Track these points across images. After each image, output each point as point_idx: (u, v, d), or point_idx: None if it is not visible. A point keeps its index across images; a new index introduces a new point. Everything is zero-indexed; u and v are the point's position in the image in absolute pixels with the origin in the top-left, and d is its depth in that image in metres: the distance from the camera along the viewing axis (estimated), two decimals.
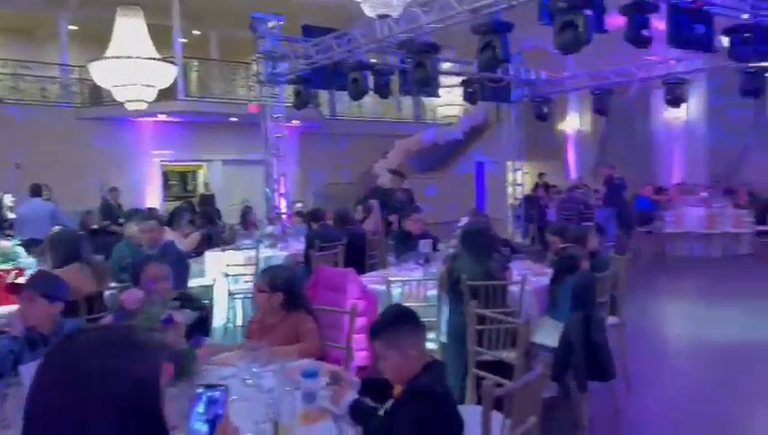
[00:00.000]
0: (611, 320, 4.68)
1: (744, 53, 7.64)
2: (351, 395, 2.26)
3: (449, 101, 15.93)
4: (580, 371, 3.98)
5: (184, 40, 14.50)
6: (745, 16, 7.59)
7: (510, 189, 12.41)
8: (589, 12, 5.75)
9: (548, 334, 4.26)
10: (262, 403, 2.27)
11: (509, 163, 12.31)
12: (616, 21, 6.88)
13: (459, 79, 11.07)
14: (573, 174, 18.41)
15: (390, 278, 4.39)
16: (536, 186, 14.82)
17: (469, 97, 10.76)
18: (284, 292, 3.06)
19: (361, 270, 5.80)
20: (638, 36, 6.61)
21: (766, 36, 7.73)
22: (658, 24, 7.14)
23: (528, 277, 4.70)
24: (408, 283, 4.38)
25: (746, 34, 7.61)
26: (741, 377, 5.01)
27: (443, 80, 12.55)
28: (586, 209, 13.14)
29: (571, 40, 5.69)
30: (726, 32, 7.69)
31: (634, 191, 12.78)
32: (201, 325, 2.98)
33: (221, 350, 2.91)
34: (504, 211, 12.56)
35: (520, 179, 12.54)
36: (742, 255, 11.15)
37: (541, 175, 15.67)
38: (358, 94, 8.59)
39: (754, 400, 4.59)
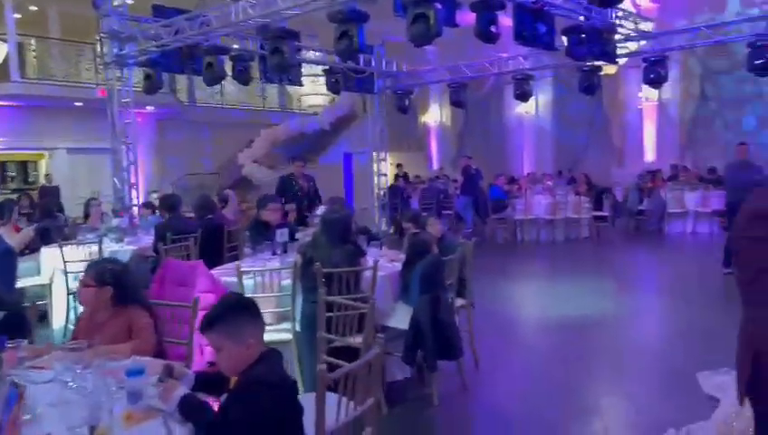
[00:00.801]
0: (460, 301, 4.91)
1: (580, 52, 8.34)
2: (182, 391, 2.14)
3: (315, 91, 15.87)
4: (429, 351, 4.12)
5: (18, 15, 13.09)
6: (581, 18, 8.27)
7: (375, 180, 12.62)
8: (439, 5, 5.94)
9: (401, 318, 4.37)
10: (83, 407, 2.09)
11: (375, 154, 12.50)
12: (469, 17, 7.19)
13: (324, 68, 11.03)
14: (435, 165, 19.14)
15: (242, 269, 4.25)
16: (396, 177, 15.24)
17: (332, 86, 10.76)
18: (114, 286, 2.84)
19: (220, 262, 5.59)
20: (486, 32, 6.96)
21: (599, 37, 8.49)
22: (510, 21, 7.56)
23: (383, 263, 4.79)
24: (262, 273, 4.27)
25: (582, 35, 8.31)
26: (577, 347, 5.48)
27: (308, 69, 12.49)
28: (445, 198, 13.75)
29: (422, 32, 5.85)
30: (564, 32, 8.33)
31: (490, 181, 13.55)
32: (11, 327, 2.68)
33: (39, 352, 2.63)
34: (371, 201, 12.76)
35: (384, 170, 12.79)
36: (581, 238, 12.22)
37: (398, 166, 16.12)
38: (213, 80, 8.24)
39: (590, 366, 5.03)
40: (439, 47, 16.57)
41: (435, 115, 19.76)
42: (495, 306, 6.90)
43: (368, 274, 4.23)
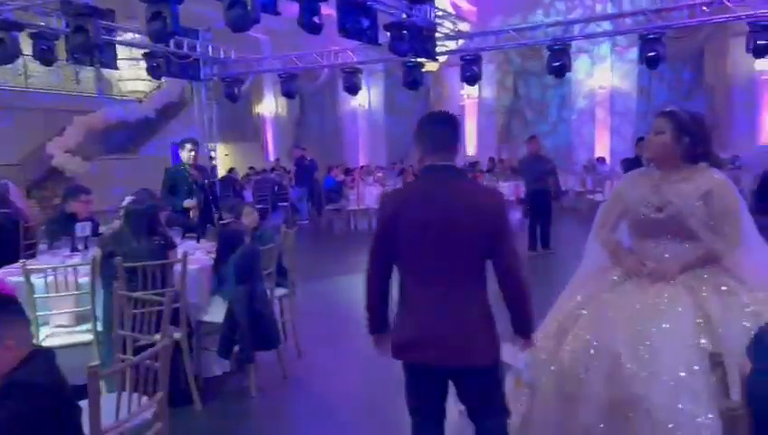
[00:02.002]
0: (281, 291, 4.88)
1: (402, 47, 8.68)
2: None
3: (137, 76, 14.80)
4: (245, 342, 4.05)
5: None
6: (404, 16, 8.61)
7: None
8: None
9: (217, 312, 4.24)
10: None
11: (204, 144, 11.96)
12: (296, 8, 7.14)
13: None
14: (272, 156, 18.89)
15: (30, 266, 3.83)
16: (231, 169, 14.83)
17: (153, 71, 10.10)
18: None
19: (15, 261, 4.98)
20: (309, 22, 6.97)
21: (419, 34, 8.91)
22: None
23: (199, 256, 4.61)
24: (54, 270, 3.88)
25: (403, 31, 8.65)
26: None
27: (129, 52, 11.60)
28: (280, 190, 13.63)
29: (239, 17, 5.71)
30: (387, 27, 8.62)
31: (325, 172, 13.67)
32: None
33: None
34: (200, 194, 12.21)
35: (214, 161, 12.32)
36: None
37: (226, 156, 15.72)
38: (7, 58, 7.34)
39: None
40: (272, 37, 16.35)
41: (270, 106, 19.48)
42: (324, 295, 6.97)
43: (178, 267, 4.04)
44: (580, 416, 2.46)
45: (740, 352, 1.69)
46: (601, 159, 14.92)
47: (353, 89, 10.98)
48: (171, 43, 9.69)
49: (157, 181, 6.19)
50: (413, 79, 10.36)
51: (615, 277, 2.77)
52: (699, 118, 2.69)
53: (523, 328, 2.45)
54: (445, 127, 2.47)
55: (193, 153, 6.15)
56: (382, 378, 4.49)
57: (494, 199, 2.44)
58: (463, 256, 2.36)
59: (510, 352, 2.53)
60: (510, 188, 13.43)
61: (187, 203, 6.04)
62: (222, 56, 11.28)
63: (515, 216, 13.08)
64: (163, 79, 12.52)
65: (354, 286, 8.10)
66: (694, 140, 2.60)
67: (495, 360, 2.41)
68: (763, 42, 8.35)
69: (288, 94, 11.48)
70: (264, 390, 4.27)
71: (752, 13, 8.45)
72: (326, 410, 4.07)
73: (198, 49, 10.69)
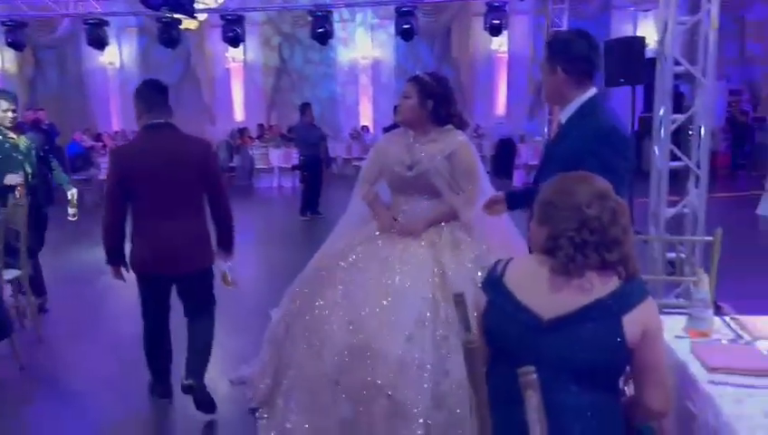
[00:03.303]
0: (12, 273, 4.18)
1: (155, 1, 7.94)
2: None
3: None
4: None
5: None
6: None
7: None
8: None
9: None
10: None
11: None
12: None
13: None
14: None
15: None
16: None
17: None
18: None
19: None
20: None
21: None
22: None
23: None
24: None
25: None
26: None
27: None
28: None
29: None
30: None
31: (68, 137, 12.07)
32: None
33: None
34: None
35: None
36: None
37: None
38: None
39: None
40: None
41: None
42: (82, 275, 6.20)
43: None
44: (325, 363, 2.61)
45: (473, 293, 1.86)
46: (365, 128, 15.63)
47: (99, 44, 9.81)
48: None
49: None
50: (170, 37, 9.63)
51: (375, 231, 2.92)
52: (443, 81, 2.87)
53: (227, 244, 3.30)
54: (159, 91, 3.11)
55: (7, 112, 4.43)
56: (131, 360, 4.06)
57: (203, 147, 3.25)
58: (184, 192, 3.08)
59: (219, 261, 3.35)
60: (281, 156, 13.38)
61: (9, 179, 4.41)
62: None
63: (290, 183, 13.07)
64: None
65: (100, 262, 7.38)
66: (438, 103, 2.79)
67: (211, 264, 3.27)
68: (497, 21, 9.40)
69: (15, 46, 9.81)
70: (5, 383, 3.67)
71: None
72: (69, 397, 3.65)
73: None
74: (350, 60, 16.39)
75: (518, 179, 12.42)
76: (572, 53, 2.16)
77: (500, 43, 14.83)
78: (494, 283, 1.67)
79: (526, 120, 15.13)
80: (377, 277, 2.66)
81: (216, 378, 3.65)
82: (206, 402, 3.21)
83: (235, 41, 10.02)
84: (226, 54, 15.93)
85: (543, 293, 1.58)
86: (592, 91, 2.22)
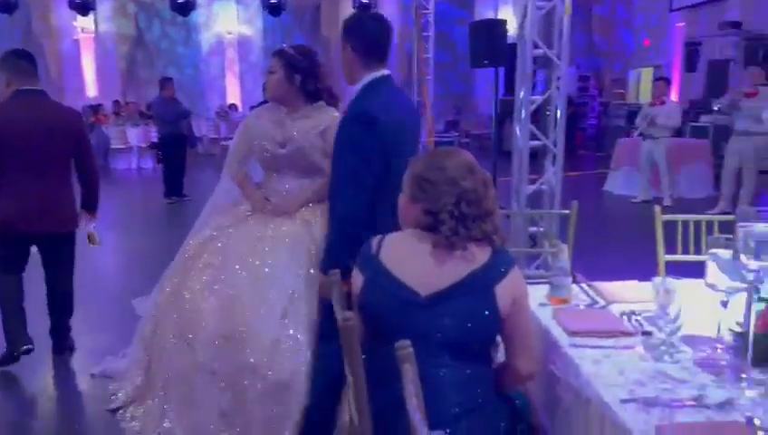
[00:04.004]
0: None
1: None
2: None
3: None
4: None
5: None
6: None
7: None
8: None
9: None
10: None
11: None
12: None
13: None
14: None
15: None
16: None
17: None
18: None
19: None
20: None
21: None
22: None
23: None
24: None
25: None
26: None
27: None
28: None
29: None
30: None
31: None
32: None
33: None
34: None
35: None
36: None
37: None
38: None
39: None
40: None
41: None
42: None
43: None
44: (199, 354, 2.51)
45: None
46: (233, 106, 15.06)
47: None
48: None
49: None
50: (5, 1, 8.55)
51: (246, 212, 2.80)
52: (310, 54, 2.73)
53: (93, 205, 3.57)
54: (28, 60, 3.33)
55: None
56: None
57: (74, 114, 3.60)
58: (54, 155, 3.32)
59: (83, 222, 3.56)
60: (140, 134, 12.54)
61: None
62: None
63: (150, 163, 12.28)
64: None
65: None
66: (305, 77, 2.66)
67: (75, 228, 3.49)
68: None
69: None
70: None
71: None
72: None
73: None
74: (215, 34, 15.66)
75: None
76: (362, 33, 2.19)
77: None
78: (369, 260, 1.65)
79: None
80: (249, 259, 2.56)
81: (78, 372, 3.45)
82: (67, 347, 3.60)
83: (83, 8, 9.14)
84: (74, 24, 14.52)
85: (423, 269, 1.58)
86: (381, 73, 2.23)
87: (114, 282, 5.32)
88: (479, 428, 1.58)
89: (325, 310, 2.25)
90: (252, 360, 2.41)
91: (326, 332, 2.27)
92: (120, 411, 2.85)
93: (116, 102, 14.26)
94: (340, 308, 1.63)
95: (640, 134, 8.17)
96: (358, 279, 1.66)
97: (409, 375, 1.28)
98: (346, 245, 2.00)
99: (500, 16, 13.35)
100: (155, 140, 10.45)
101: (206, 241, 2.75)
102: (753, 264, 1.33)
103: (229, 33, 15.60)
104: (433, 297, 1.56)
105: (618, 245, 5.85)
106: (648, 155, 8.03)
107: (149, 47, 15.68)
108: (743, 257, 1.35)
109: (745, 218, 1.34)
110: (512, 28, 6.87)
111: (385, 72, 2.21)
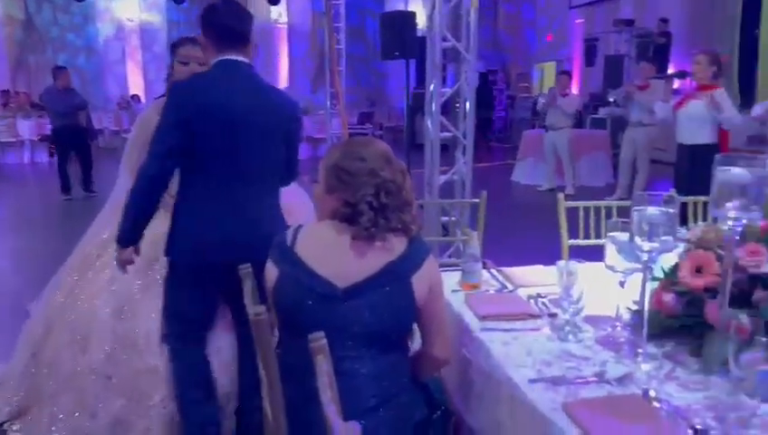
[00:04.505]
0: None
1: None
2: None
3: None
4: None
5: None
6: None
7: None
8: None
9: None
10: None
11: None
12: None
13: None
14: None
15: None
16: None
17: None
18: None
19: None
20: None
21: None
22: None
23: None
24: None
25: None
26: None
27: None
28: None
29: None
30: None
31: None
32: None
33: None
34: None
35: None
36: None
37: None
38: None
39: None
40: None
41: None
42: None
43: None
44: (93, 358, 2.42)
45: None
46: (136, 97, 14.34)
47: None
48: None
49: None
50: None
51: None
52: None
53: None
54: None
55: None
56: None
57: None
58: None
59: None
60: (32, 127, 11.69)
61: None
62: None
63: (45, 158, 11.52)
64: None
65: None
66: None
67: None
68: None
69: None
70: None
71: None
72: None
73: None
74: (115, 20, 14.83)
75: (304, 153, 12.43)
76: (213, 19, 2.18)
77: (279, 13, 14.63)
78: (284, 252, 1.60)
79: (310, 92, 15.22)
80: (147, 255, 2.43)
81: None
82: None
83: None
84: None
85: (341, 261, 1.56)
86: (227, 57, 2.18)
87: (5, 286, 4.93)
88: (395, 417, 1.58)
89: (172, 308, 2.21)
90: (148, 362, 2.34)
91: (175, 330, 2.24)
92: (7, 423, 2.63)
93: (4, 92, 13.21)
94: (251, 302, 1.58)
95: (543, 122, 8.55)
96: (272, 272, 1.61)
97: (323, 367, 1.26)
98: (131, 208, 2.11)
99: (410, 9, 13.48)
100: (49, 132, 9.78)
101: (105, 242, 2.63)
102: (647, 245, 1.41)
103: (130, 21, 14.82)
104: (351, 290, 1.54)
105: (525, 231, 6.08)
106: (552, 146, 8.40)
107: (41, 31, 14.59)
108: (637, 239, 1.42)
109: (640, 203, 1.41)
110: (421, 21, 6.95)
111: (234, 57, 2.15)
